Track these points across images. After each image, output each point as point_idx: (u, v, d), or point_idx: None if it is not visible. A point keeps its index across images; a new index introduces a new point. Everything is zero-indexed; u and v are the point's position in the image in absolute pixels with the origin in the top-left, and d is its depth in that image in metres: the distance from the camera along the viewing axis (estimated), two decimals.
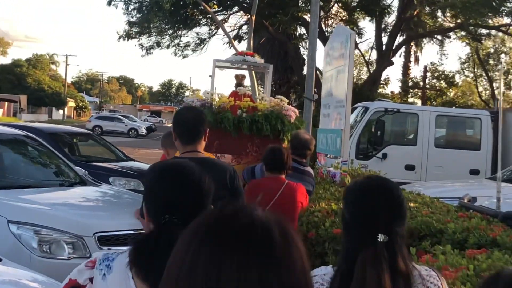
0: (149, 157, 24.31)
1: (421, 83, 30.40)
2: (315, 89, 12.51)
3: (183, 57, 25.25)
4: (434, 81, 32.33)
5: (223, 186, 3.75)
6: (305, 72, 25.14)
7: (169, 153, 5.47)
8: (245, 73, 9.55)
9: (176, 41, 25.02)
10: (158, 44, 24.71)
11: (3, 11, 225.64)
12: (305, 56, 27.05)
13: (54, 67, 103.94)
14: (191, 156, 3.69)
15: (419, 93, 31.17)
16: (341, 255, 2.29)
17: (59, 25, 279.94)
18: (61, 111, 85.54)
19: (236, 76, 8.41)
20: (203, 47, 25.46)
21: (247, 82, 10.42)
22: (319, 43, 16.15)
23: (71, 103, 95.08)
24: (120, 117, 59.72)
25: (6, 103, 71.25)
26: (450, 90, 31.91)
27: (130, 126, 56.60)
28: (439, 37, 27.29)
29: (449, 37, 25.05)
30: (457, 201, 6.74)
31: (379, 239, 2.10)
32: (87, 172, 10.80)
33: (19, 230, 5.48)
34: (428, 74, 30.10)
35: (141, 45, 24.41)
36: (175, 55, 25.07)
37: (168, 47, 24.96)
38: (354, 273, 2.08)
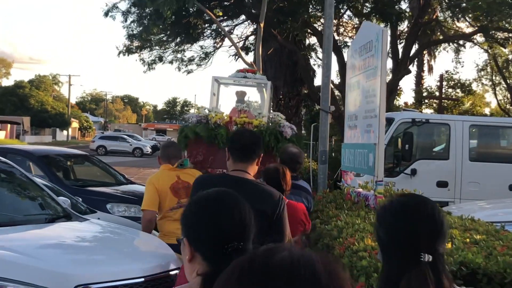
0: None
1: (436, 93, 29.12)
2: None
3: (188, 73, 24.09)
4: (450, 90, 31.08)
5: (259, 213, 3.30)
6: (316, 83, 24.02)
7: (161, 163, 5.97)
8: (249, 89, 9.27)
9: (179, 55, 23.86)
10: (160, 59, 23.52)
11: (7, 35, 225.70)
12: (315, 67, 25.83)
13: (57, 88, 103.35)
14: (236, 175, 3.78)
15: (434, 104, 29.89)
16: (382, 279, 2.19)
17: (62, 45, 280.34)
18: (65, 132, 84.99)
19: (236, 93, 8.41)
20: (208, 61, 24.27)
21: (256, 98, 10.28)
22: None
23: (75, 124, 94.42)
24: (125, 136, 58.86)
25: (9, 125, 70.39)
26: (467, 99, 30.59)
27: (134, 146, 55.81)
28: (454, 44, 26.08)
29: (471, 41, 23.79)
30: None
31: (423, 259, 2.06)
32: (80, 199, 9.62)
33: None
34: (444, 83, 28.79)
35: (143, 60, 23.24)
36: (179, 70, 23.88)
37: (171, 62, 23.77)
38: None
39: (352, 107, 8.59)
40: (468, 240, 4.71)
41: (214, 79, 8.83)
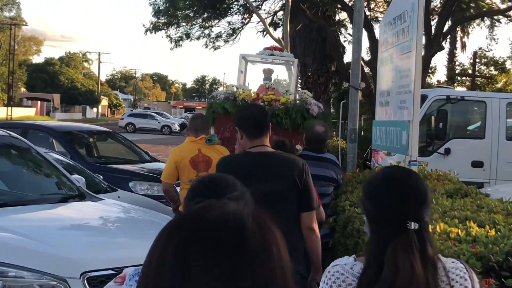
0: None
1: (469, 71, 28.33)
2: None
3: (215, 49, 23.66)
4: (483, 68, 30.17)
5: (291, 181, 3.83)
6: (346, 60, 23.44)
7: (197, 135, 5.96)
8: (276, 67, 9.23)
9: (207, 31, 23.42)
10: (187, 36, 23.10)
11: (40, 12, 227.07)
12: (345, 44, 25.23)
13: (87, 65, 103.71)
14: (260, 150, 3.87)
15: (467, 81, 29.10)
16: (370, 247, 2.22)
17: (92, 23, 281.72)
18: (95, 109, 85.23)
19: (264, 70, 8.40)
20: (236, 37, 23.80)
21: (284, 76, 10.36)
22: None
23: (105, 101, 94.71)
24: (153, 114, 58.83)
25: (39, 102, 70.88)
26: (501, 77, 29.62)
27: (163, 123, 55.84)
28: (489, 20, 25.25)
29: (506, 17, 22.95)
30: None
31: (410, 227, 2.12)
32: (101, 177, 9.34)
33: None
34: (477, 60, 27.93)
35: (169, 37, 22.84)
36: (206, 47, 23.45)
37: (198, 38, 23.34)
38: (386, 261, 2.08)
39: (384, 83, 8.13)
40: None
41: (242, 56, 8.83)
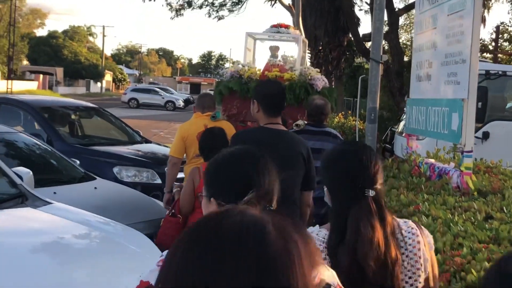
0: None
1: (490, 46, 26.61)
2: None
3: (219, 19, 22.03)
4: (505, 44, 28.38)
5: (302, 158, 4.13)
6: (361, 32, 21.80)
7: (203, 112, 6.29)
8: (284, 44, 9.48)
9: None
10: (189, 4, 21.46)
11: None
12: (361, 14, 23.58)
13: (91, 39, 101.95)
14: (275, 127, 4.13)
15: (488, 57, 27.39)
16: (332, 215, 2.39)
17: None
18: (99, 84, 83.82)
19: (270, 48, 8.50)
20: (241, 6, 22.13)
21: (292, 53, 10.26)
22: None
23: (109, 76, 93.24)
24: (157, 89, 57.26)
25: (42, 75, 69.29)
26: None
27: (167, 99, 54.40)
28: None
29: None
30: None
31: (367, 194, 2.29)
32: (78, 162, 7.84)
33: None
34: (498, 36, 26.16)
35: (170, 5, 21.18)
36: (209, 16, 21.80)
37: (201, 7, 21.68)
38: (348, 226, 2.26)
39: (423, 50, 6.54)
40: None
41: (248, 34, 8.89)
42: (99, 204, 6.29)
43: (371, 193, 2.30)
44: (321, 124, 6.06)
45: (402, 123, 12.36)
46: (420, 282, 2.32)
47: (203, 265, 1.01)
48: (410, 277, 2.31)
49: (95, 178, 7.26)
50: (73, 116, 10.43)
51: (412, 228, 2.37)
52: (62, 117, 10.39)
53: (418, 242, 2.33)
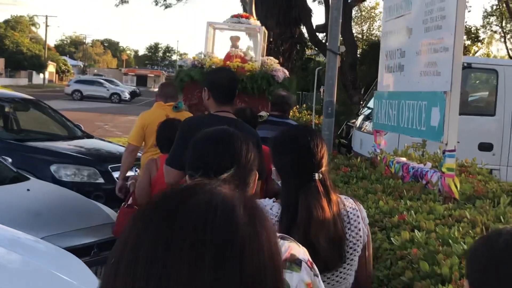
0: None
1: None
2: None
3: (166, 7, 21.22)
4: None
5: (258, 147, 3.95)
6: (316, 22, 21.29)
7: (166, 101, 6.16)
8: (243, 34, 9.74)
9: None
10: None
11: None
12: (314, 5, 23.10)
13: (34, 30, 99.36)
14: (226, 115, 3.97)
15: None
16: (283, 196, 2.49)
17: None
18: (41, 75, 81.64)
19: (231, 38, 8.54)
20: None
21: (250, 43, 10.52)
22: None
23: (53, 67, 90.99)
24: (102, 81, 55.76)
25: None
26: (474, 47, 27.83)
27: (112, 91, 52.93)
28: None
29: None
30: None
31: (315, 177, 2.43)
32: (9, 160, 7.06)
33: None
34: None
35: None
36: (156, 4, 20.91)
37: None
38: (300, 207, 2.38)
39: (394, 38, 5.97)
40: None
41: (209, 24, 8.92)
42: (31, 209, 5.66)
43: (318, 176, 2.45)
44: (284, 116, 6.07)
45: (360, 118, 11.84)
46: (358, 252, 2.53)
47: (161, 243, 0.91)
48: (351, 247, 2.50)
49: (28, 179, 6.52)
50: (7, 109, 9.55)
51: (352, 203, 2.56)
52: None
53: (358, 217, 2.54)
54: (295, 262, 1.83)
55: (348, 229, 2.49)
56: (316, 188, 2.42)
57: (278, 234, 1.80)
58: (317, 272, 1.92)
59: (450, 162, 4.55)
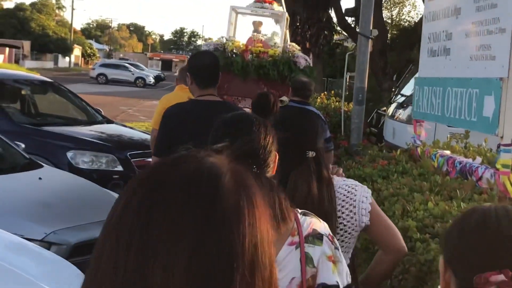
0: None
1: None
2: None
3: None
4: None
5: None
6: (345, 5, 20.69)
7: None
8: (267, 20, 9.87)
9: None
10: None
11: None
12: None
13: (60, 13, 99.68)
14: (209, 99, 4.00)
15: None
16: (278, 174, 2.39)
17: None
18: (67, 58, 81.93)
19: (253, 23, 8.57)
20: None
21: (274, 29, 10.73)
22: None
23: (78, 50, 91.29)
24: (127, 65, 55.79)
25: (7, 49, 67.18)
26: None
27: (137, 75, 52.95)
28: None
29: None
30: None
31: (308, 156, 2.51)
32: (23, 145, 6.69)
33: None
34: None
35: None
36: None
37: None
38: (288, 182, 2.47)
39: (438, 19, 5.44)
40: None
41: (232, 8, 8.94)
42: (42, 200, 5.32)
43: (312, 154, 2.52)
44: (304, 102, 6.10)
45: (393, 106, 11.30)
46: (353, 235, 2.62)
47: (144, 212, 0.89)
48: (341, 229, 2.58)
49: (41, 166, 6.15)
50: (23, 92, 9.18)
51: (349, 186, 2.63)
52: (11, 93, 9.16)
53: (355, 195, 2.60)
54: (316, 237, 1.93)
55: (341, 205, 2.57)
56: (308, 166, 2.50)
57: (299, 211, 2.03)
58: (338, 245, 2.01)
59: (505, 158, 4.04)
